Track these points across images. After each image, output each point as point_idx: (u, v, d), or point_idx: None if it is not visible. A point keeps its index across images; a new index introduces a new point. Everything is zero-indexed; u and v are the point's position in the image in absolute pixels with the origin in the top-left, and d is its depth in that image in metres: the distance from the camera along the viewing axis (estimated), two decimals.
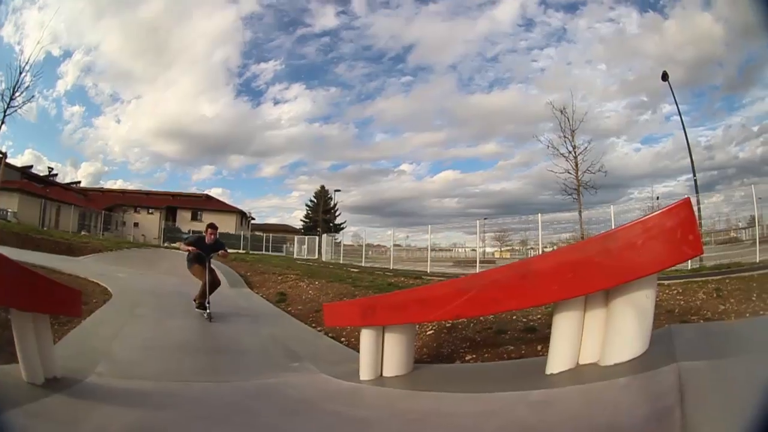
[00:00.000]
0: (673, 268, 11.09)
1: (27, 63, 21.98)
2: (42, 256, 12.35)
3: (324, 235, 30.97)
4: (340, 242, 29.15)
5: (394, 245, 24.20)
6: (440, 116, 51.67)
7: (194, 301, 7.38)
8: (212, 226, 7.73)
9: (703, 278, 8.68)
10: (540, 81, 40.79)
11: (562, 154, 19.42)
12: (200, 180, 50.33)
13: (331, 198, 43.87)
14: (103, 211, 33.38)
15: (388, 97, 45.37)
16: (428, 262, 19.45)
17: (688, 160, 16.67)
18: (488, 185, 48.00)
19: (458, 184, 48.95)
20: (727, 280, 8.05)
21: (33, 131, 39.02)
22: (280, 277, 13.41)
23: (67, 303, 4.34)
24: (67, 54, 37.99)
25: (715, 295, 6.70)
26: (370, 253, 25.70)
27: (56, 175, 36.43)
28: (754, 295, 6.51)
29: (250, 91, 45.96)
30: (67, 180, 38.09)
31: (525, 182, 43.73)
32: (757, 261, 11.29)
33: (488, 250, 22.75)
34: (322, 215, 43.08)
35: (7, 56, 34.58)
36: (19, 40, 32.19)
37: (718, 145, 32.68)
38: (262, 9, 41.36)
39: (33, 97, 23.34)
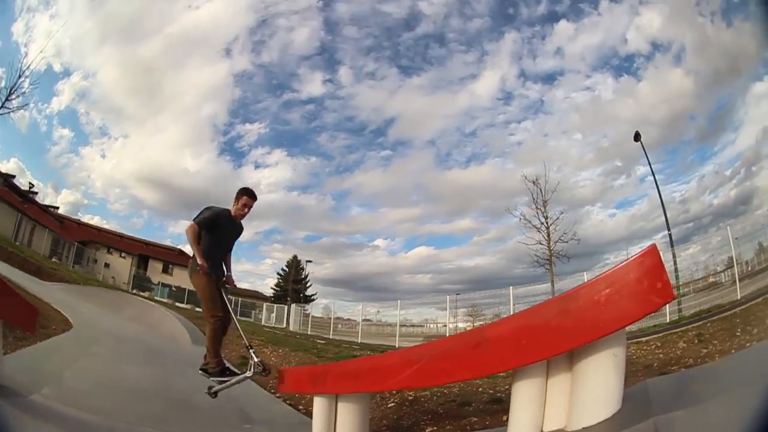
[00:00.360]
0: (651, 323, 10.99)
1: (28, 68, 21.80)
2: (9, 269, 11.92)
3: (293, 305, 30.40)
4: (309, 313, 28.58)
5: (365, 320, 23.78)
6: (417, 192, 52.07)
7: (204, 370, 4.56)
8: (250, 195, 4.64)
9: (683, 328, 8.58)
10: (517, 154, 40.59)
11: (534, 225, 19.63)
12: (175, 234, 48.60)
13: (303, 268, 43.50)
14: (77, 243, 32.56)
15: (367, 171, 45.59)
16: (397, 337, 19.15)
17: (664, 218, 17.17)
18: (462, 261, 47.43)
19: (432, 261, 48.29)
20: (709, 324, 7.94)
21: (22, 141, 37.12)
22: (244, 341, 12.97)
23: (22, 315, 4.28)
24: (67, 72, 36.86)
25: (696, 341, 6.61)
26: (339, 326, 25.12)
27: (36, 193, 35.15)
28: (739, 330, 6.40)
29: (233, 151, 46.01)
30: (46, 202, 36.84)
31: (499, 257, 43.35)
32: (739, 297, 10.96)
33: (461, 325, 22.32)
34: (292, 285, 42.41)
35: (12, 54, 33.93)
36: (26, 42, 31.42)
37: (693, 197, 31.65)
38: (254, 68, 42.15)
39: (27, 105, 23.16)
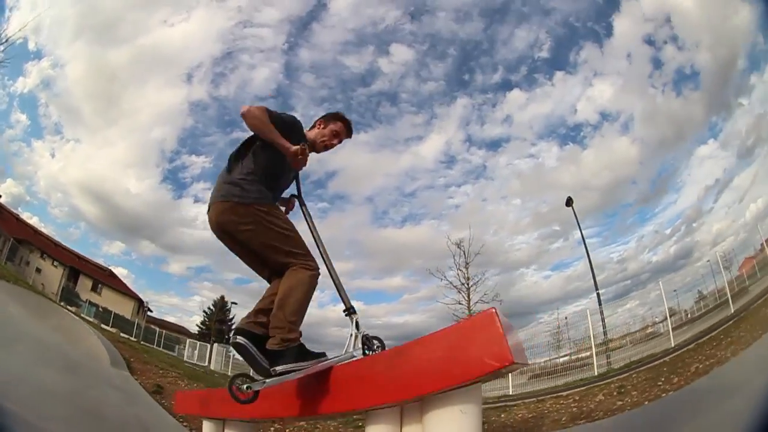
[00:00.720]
0: (577, 377, 11.71)
1: (7, 40, 20.90)
2: None
3: (215, 345, 29.49)
4: (232, 355, 27.73)
5: None
6: (351, 247, 50.49)
7: (259, 340, 2.55)
8: (348, 126, 3.26)
9: (609, 380, 8.52)
10: (453, 217, 40.42)
11: (455, 286, 20.17)
12: (109, 254, 44.95)
13: (229, 309, 42.00)
14: (12, 239, 30.84)
15: (303, 220, 45.52)
16: None
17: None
18: (391, 318, 45.85)
19: (360, 315, 47.15)
20: (635, 375, 7.94)
21: None
22: (161, 371, 12.76)
23: None
24: (38, 54, 35.11)
25: (615, 393, 6.63)
26: None
27: None
28: (662, 379, 6.39)
29: (175, 180, 43.45)
30: None
31: (429, 315, 41.54)
32: (673, 345, 11.10)
33: None
34: (217, 325, 40.88)
35: None
36: (11, 6, 30.01)
37: (631, 256, 31.80)
38: (210, 100, 41.62)
39: None
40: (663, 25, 30.91)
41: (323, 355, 2.62)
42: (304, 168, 2.94)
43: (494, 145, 43.72)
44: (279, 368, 2.43)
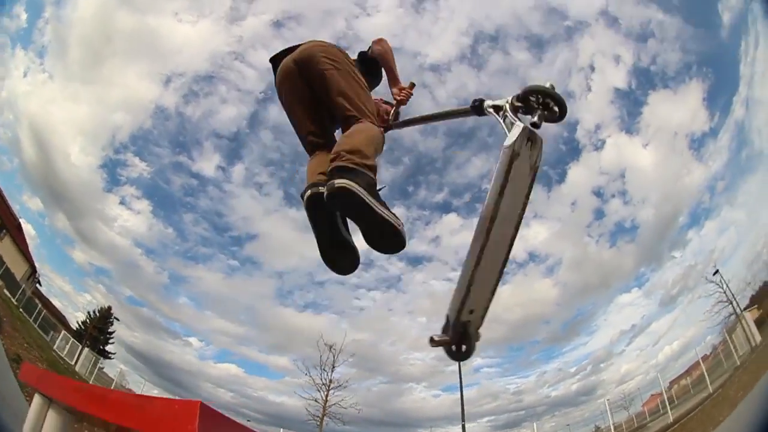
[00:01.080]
0: None
1: None
2: None
3: (86, 350, 27.93)
4: (101, 367, 26.18)
5: None
6: (247, 313, 48.03)
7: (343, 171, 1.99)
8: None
9: None
10: (355, 318, 36.87)
11: (315, 383, 19.74)
12: (26, 205, 41.00)
13: (111, 322, 39.67)
14: None
15: (210, 270, 42.54)
16: None
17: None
18: (268, 394, 43.03)
19: (238, 381, 43.33)
20: None
21: None
22: (26, 346, 12.50)
23: None
24: None
25: None
26: None
27: None
28: None
29: (112, 173, 41.61)
30: None
31: (305, 404, 40.40)
32: None
33: None
34: (95, 331, 38.45)
35: None
36: None
37: (529, 389, 28.89)
38: (174, 114, 38.15)
39: None
40: (616, 179, 31.50)
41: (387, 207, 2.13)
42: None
43: (415, 261, 42.96)
44: (338, 182, 1.93)
